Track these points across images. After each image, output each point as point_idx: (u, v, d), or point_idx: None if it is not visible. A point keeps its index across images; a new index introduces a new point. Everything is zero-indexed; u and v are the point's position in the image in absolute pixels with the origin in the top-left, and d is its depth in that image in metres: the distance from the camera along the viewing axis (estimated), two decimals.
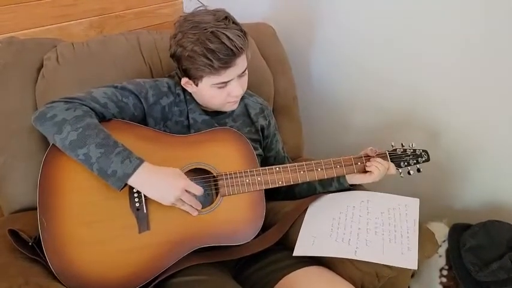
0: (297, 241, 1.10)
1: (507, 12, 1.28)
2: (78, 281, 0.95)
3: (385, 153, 1.23)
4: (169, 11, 1.87)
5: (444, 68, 1.45)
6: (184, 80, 1.12)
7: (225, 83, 1.10)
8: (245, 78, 1.14)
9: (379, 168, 1.17)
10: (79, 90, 1.08)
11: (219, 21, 1.04)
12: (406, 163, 1.23)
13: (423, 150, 1.25)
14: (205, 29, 1.03)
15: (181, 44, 1.06)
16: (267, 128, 1.29)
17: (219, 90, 1.10)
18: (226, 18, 1.06)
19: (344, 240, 1.07)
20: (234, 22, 1.07)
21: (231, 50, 1.04)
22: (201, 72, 1.07)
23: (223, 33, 1.03)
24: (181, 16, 1.10)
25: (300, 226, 1.14)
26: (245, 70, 1.12)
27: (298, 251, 1.07)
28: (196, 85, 1.11)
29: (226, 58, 1.04)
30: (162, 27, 1.83)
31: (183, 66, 1.09)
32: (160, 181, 0.99)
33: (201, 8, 1.10)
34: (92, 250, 0.98)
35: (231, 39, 1.03)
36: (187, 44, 1.04)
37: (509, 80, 1.34)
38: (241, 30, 1.07)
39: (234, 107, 1.18)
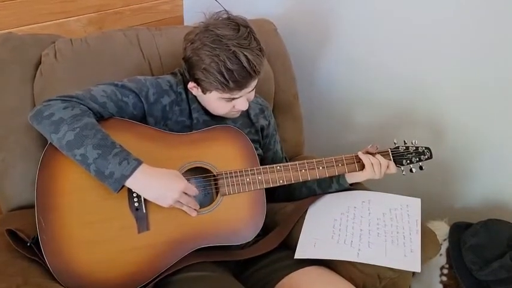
0: (298, 243, 1.09)
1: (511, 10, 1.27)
2: (77, 282, 0.95)
3: (388, 151, 1.22)
4: (169, 8, 1.85)
5: (447, 66, 1.44)
6: (191, 84, 1.11)
7: (234, 98, 1.09)
8: (252, 92, 1.13)
9: (372, 161, 1.15)
10: (77, 87, 1.07)
11: (241, 39, 1.02)
12: (408, 161, 1.22)
13: (426, 148, 1.24)
14: (227, 46, 1.01)
15: (199, 54, 1.04)
16: (266, 128, 1.28)
17: (226, 102, 1.10)
18: (249, 35, 1.04)
19: (346, 242, 1.06)
20: (255, 39, 1.05)
21: (249, 73, 1.03)
22: (212, 87, 1.06)
23: (244, 55, 1.01)
24: (202, 22, 1.07)
25: (301, 226, 1.14)
26: (254, 87, 1.11)
27: (299, 254, 1.06)
28: (204, 93, 1.10)
29: (242, 80, 1.04)
30: (161, 24, 1.81)
31: (195, 75, 1.07)
32: (158, 183, 0.98)
33: (222, 14, 1.07)
34: (91, 250, 0.97)
35: (251, 62, 1.02)
36: (205, 57, 1.02)
37: None
38: (260, 49, 1.06)
39: (237, 115, 1.18)
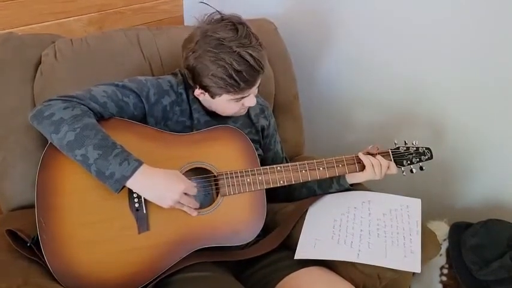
0: (298, 244, 1.09)
1: None
2: (77, 282, 0.95)
3: (388, 151, 1.22)
4: (169, 7, 1.85)
5: (447, 66, 1.44)
6: (198, 91, 1.11)
7: (243, 97, 1.09)
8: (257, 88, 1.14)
9: (373, 162, 1.15)
10: (78, 87, 1.07)
11: (242, 38, 1.02)
12: (408, 161, 1.22)
13: (426, 148, 1.24)
14: (230, 48, 1.01)
15: (203, 61, 1.03)
16: (267, 128, 1.28)
17: (235, 103, 1.10)
18: (248, 33, 1.04)
19: (346, 243, 1.06)
20: (254, 34, 1.05)
21: (257, 70, 1.04)
22: (223, 91, 1.06)
23: (249, 53, 1.01)
24: (198, 28, 1.07)
25: (301, 226, 1.13)
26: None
27: (299, 254, 1.06)
28: (213, 98, 1.10)
29: (251, 79, 1.04)
30: (161, 24, 1.81)
31: (202, 82, 1.07)
32: (159, 184, 0.98)
33: (215, 15, 1.06)
34: (91, 251, 0.97)
35: (256, 59, 1.02)
36: (210, 63, 1.02)
37: None
38: (260, 44, 1.06)
39: (243, 113, 1.18)
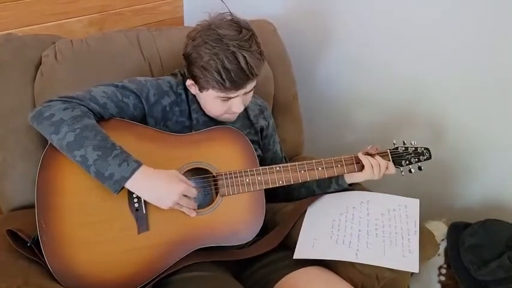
0: (297, 244, 1.09)
1: None
2: (77, 282, 0.95)
3: (387, 151, 1.22)
4: (169, 8, 1.86)
5: (447, 66, 1.44)
6: (189, 82, 1.12)
7: (230, 98, 1.09)
8: (250, 94, 1.14)
9: (372, 162, 1.16)
10: (78, 87, 1.07)
11: (242, 41, 1.03)
12: (407, 161, 1.22)
13: (425, 148, 1.24)
14: (227, 46, 1.02)
15: (198, 51, 1.05)
16: (266, 129, 1.28)
17: (221, 102, 1.10)
18: (251, 38, 1.05)
19: (345, 243, 1.07)
20: (257, 42, 1.06)
21: (246, 74, 1.04)
22: (209, 85, 1.07)
23: (243, 56, 1.02)
24: (205, 21, 1.08)
25: (300, 226, 1.14)
26: (252, 89, 1.12)
27: (298, 254, 1.07)
28: (201, 91, 1.11)
29: (238, 81, 1.04)
30: (161, 25, 1.82)
31: (193, 72, 1.08)
32: (158, 185, 0.99)
33: (227, 15, 1.08)
34: (91, 251, 0.98)
35: (249, 64, 1.03)
36: (204, 54, 1.03)
37: None
38: (261, 53, 1.07)
39: (231, 119, 1.17)
